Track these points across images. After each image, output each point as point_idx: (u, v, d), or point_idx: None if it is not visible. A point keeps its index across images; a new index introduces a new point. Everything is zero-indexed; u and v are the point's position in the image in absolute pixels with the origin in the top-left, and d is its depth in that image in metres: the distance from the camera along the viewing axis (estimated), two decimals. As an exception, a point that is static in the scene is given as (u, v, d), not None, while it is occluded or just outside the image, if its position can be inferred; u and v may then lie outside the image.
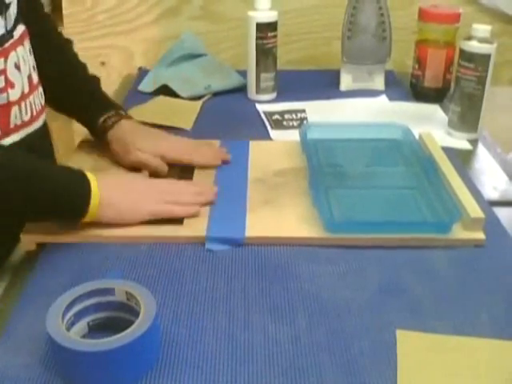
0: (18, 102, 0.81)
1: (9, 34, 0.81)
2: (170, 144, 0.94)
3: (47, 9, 1.83)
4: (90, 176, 0.74)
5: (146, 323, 0.54)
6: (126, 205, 0.76)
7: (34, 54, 0.88)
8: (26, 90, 0.83)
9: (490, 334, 0.60)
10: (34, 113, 0.86)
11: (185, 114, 1.15)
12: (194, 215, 0.78)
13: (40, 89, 0.90)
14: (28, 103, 0.84)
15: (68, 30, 1.53)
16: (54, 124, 1.67)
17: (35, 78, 0.88)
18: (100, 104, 0.96)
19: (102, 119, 0.93)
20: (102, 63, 1.55)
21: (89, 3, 1.46)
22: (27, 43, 0.86)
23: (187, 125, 1.09)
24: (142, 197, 0.77)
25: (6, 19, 0.80)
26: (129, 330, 0.53)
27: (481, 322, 0.62)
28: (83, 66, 1.00)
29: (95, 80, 1.00)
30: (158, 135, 0.95)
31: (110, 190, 0.75)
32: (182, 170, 0.91)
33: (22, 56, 0.83)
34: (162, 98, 1.22)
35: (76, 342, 0.53)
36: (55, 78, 0.95)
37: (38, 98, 0.88)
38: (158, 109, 1.16)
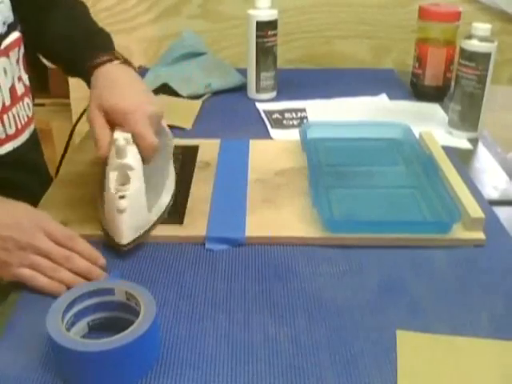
0: None
1: None
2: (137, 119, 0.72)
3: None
4: None
5: (146, 323, 0.54)
6: None
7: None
8: (8, 102, 0.81)
9: (489, 334, 0.60)
10: (19, 126, 0.84)
11: (185, 112, 1.15)
12: (53, 294, 0.64)
13: (26, 100, 0.87)
14: (11, 116, 0.82)
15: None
16: (54, 124, 1.68)
17: (20, 88, 0.85)
18: (92, 45, 0.84)
19: (90, 61, 0.81)
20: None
21: (88, 2, 1.45)
22: (14, 53, 0.83)
23: (187, 124, 1.09)
24: (12, 256, 0.64)
25: None
26: (129, 330, 0.53)
27: (481, 322, 0.62)
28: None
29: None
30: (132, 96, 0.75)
31: None
32: (182, 166, 0.91)
33: (4, 67, 0.80)
34: (161, 97, 1.21)
35: (76, 342, 0.53)
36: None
37: (24, 109, 0.86)
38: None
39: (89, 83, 0.80)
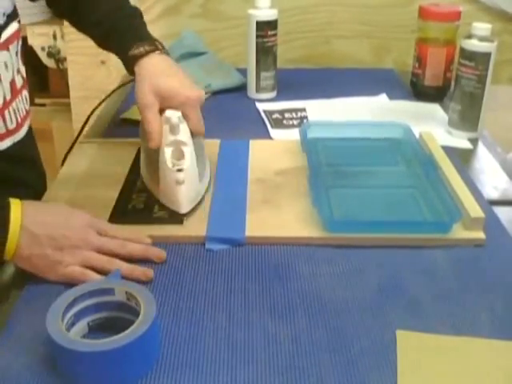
0: (0, 111, 0.79)
1: None
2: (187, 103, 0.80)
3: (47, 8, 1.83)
4: (14, 207, 0.65)
5: (145, 323, 0.54)
6: (41, 258, 0.65)
7: None
8: (8, 96, 0.81)
9: (489, 334, 0.60)
10: (19, 119, 0.84)
11: None
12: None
13: (24, 92, 0.87)
14: (12, 110, 0.82)
15: (68, 28, 1.53)
16: (54, 124, 1.68)
17: (19, 81, 0.85)
18: (136, 34, 0.90)
19: (134, 49, 0.85)
20: (102, 62, 1.55)
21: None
22: (14, 46, 0.83)
23: None
24: (64, 255, 0.65)
25: None
26: (129, 330, 0.53)
27: (481, 321, 0.62)
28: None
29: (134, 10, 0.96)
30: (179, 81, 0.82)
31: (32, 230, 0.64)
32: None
33: (5, 62, 0.80)
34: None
35: (76, 343, 0.53)
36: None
37: (22, 102, 0.86)
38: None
39: (128, 68, 0.87)
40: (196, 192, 0.80)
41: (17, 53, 0.85)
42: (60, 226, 0.66)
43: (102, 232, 0.69)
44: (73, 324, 0.58)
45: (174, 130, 0.77)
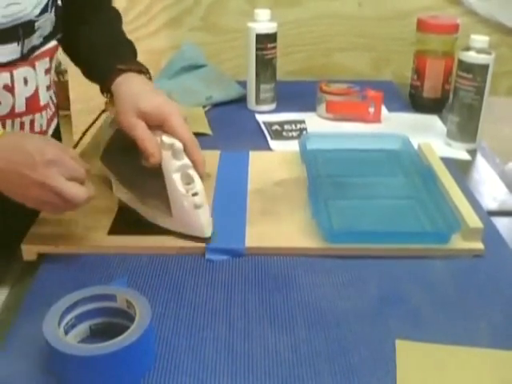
0: (1, 118, 0.80)
1: (23, 57, 0.80)
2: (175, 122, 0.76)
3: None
4: None
5: (137, 332, 0.54)
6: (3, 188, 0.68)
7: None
8: (20, 109, 0.82)
9: (489, 344, 0.60)
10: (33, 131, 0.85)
11: (196, 119, 1.16)
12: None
13: (46, 112, 0.87)
14: (18, 122, 0.83)
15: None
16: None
17: (43, 99, 0.86)
18: (121, 54, 0.88)
19: (111, 69, 0.83)
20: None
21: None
22: (43, 62, 0.84)
23: (207, 130, 1.12)
24: (29, 191, 0.67)
25: (23, 45, 0.79)
26: (120, 338, 0.54)
27: (480, 331, 0.62)
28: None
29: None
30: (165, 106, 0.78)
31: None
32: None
33: (25, 77, 0.81)
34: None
35: (67, 345, 0.53)
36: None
37: (41, 120, 0.87)
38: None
39: (105, 89, 0.85)
40: (209, 212, 0.77)
41: (48, 70, 0.86)
42: (25, 165, 0.66)
43: (63, 172, 0.68)
44: (74, 326, 0.59)
45: (178, 155, 0.74)
